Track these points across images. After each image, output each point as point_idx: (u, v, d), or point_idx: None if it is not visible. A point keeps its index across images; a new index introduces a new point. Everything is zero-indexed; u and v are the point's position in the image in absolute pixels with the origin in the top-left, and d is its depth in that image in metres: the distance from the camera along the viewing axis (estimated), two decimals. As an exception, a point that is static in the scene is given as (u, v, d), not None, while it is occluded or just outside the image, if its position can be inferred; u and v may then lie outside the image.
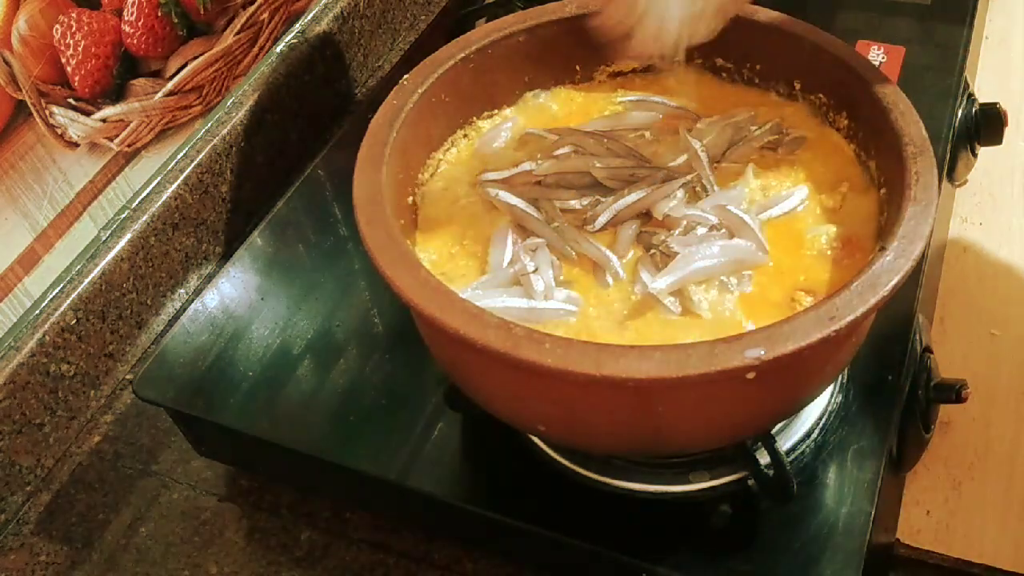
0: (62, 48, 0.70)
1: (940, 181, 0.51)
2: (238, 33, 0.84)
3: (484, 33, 0.61)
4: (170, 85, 0.79)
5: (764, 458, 0.54)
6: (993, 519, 0.63)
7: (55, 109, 0.70)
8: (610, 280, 0.53)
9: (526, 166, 0.58)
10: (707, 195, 0.56)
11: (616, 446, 0.55)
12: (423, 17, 1.07)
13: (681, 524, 0.56)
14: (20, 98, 0.68)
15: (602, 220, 0.55)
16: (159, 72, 0.79)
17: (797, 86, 0.61)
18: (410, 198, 0.58)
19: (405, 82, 0.59)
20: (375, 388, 0.64)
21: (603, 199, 0.56)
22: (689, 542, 0.55)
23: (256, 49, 0.87)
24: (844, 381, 0.60)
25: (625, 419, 0.50)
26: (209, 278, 0.83)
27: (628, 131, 0.61)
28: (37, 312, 0.71)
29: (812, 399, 0.54)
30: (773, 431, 0.54)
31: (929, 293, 0.73)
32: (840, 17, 0.85)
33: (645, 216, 0.55)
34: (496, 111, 0.64)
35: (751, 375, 0.43)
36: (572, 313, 0.51)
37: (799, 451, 0.57)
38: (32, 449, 0.70)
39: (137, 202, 0.78)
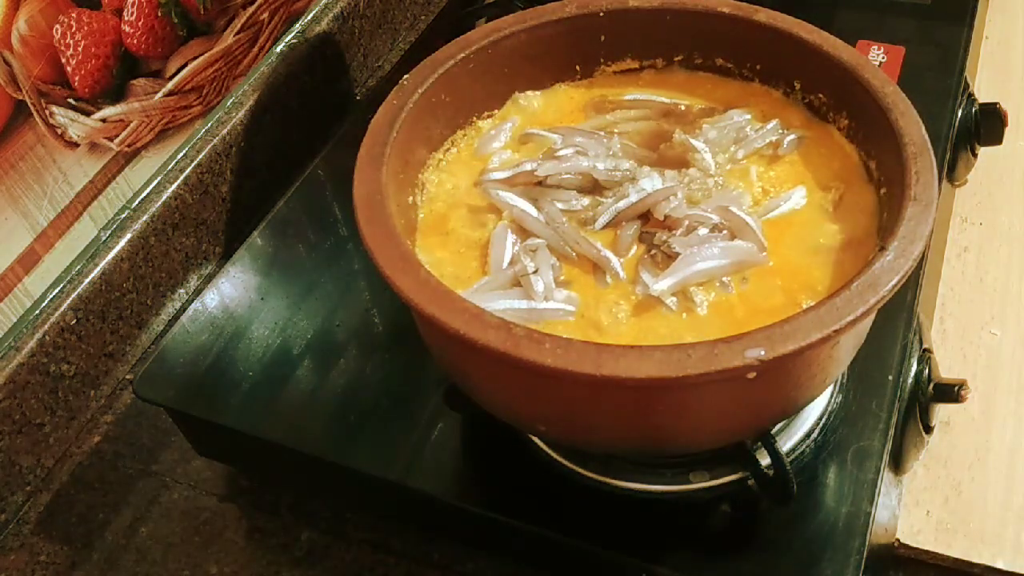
0: (62, 48, 0.70)
1: (940, 181, 0.51)
2: (238, 33, 0.84)
3: (484, 33, 0.61)
4: (170, 85, 0.79)
5: (764, 458, 0.54)
6: (993, 519, 0.63)
7: (55, 109, 0.70)
8: (610, 280, 0.53)
9: (526, 166, 0.58)
10: (709, 196, 0.56)
11: (616, 446, 0.55)
12: (423, 17, 1.07)
13: (681, 524, 0.56)
14: (20, 98, 0.68)
15: (603, 221, 0.55)
16: (159, 72, 0.79)
17: (797, 86, 0.61)
18: (410, 198, 0.58)
19: (405, 82, 0.59)
20: (375, 388, 0.64)
21: (603, 199, 0.56)
22: (689, 542, 0.55)
23: (256, 49, 0.87)
24: (844, 381, 0.60)
25: (625, 419, 0.50)
26: (209, 278, 0.83)
27: (629, 131, 0.61)
28: (37, 312, 0.71)
29: (812, 399, 0.54)
30: (773, 431, 0.54)
31: (929, 293, 0.73)
32: (840, 17, 0.85)
33: (645, 216, 0.55)
34: (496, 111, 0.64)
35: (751, 375, 0.43)
36: (572, 313, 0.51)
37: (799, 451, 0.57)
38: (32, 449, 0.70)
39: (137, 202, 0.78)
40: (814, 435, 0.58)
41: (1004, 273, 0.77)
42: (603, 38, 0.64)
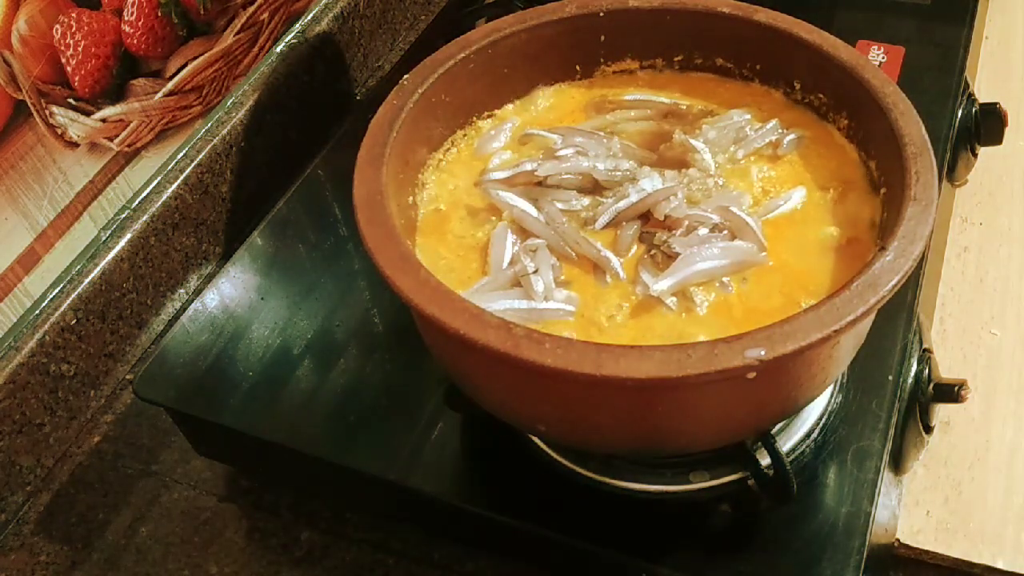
0: (62, 48, 0.70)
1: (940, 181, 0.51)
2: (238, 33, 0.84)
3: (484, 33, 0.61)
4: (170, 85, 0.79)
5: (764, 458, 0.54)
6: (993, 519, 0.63)
7: (55, 109, 0.70)
8: (610, 280, 0.53)
9: (526, 166, 0.58)
10: (709, 196, 0.56)
11: (616, 446, 0.55)
12: (423, 17, 1.07)
13: (681, 524, 0.56)
14: (20, 98, 0.68)
15: (603, 221, 0.55)
16: (159, 72, 0.79)
17: (797, 86, 0.61)
18: (410, 198, 0.58)
19: (405, 82, 0.59)
20: (375, 388, 0.64)
21: (604, 200, 0.56)
22: (689, 542, 0.55)
23: (256, 49, 0.87)
24: (844, 381, 0.60)
25: (625, 419, 0.50)
26: (209, 278, 0.83)
27: (629, 131, 0.61)
28: (37, 312, 0.71)
29: (812, 399, 0.54)
30: (773, 431, 0.54)
31: (929, 293, 0.73)
32: (840, 17, 0.85)
33: (646, 216, 0.55)
34: (496, 111, 0.64)
35: (751, 375, 0.43)
36: (572, 313, 0.51)
37: (799, 451, 0.57)
38: (32, 449, 0.70)
39: (137, 202, 0.78)
40: (814, 435, 0.58)
41: (1004, 273, 0.77)
42: (603, 38, 0.64)
